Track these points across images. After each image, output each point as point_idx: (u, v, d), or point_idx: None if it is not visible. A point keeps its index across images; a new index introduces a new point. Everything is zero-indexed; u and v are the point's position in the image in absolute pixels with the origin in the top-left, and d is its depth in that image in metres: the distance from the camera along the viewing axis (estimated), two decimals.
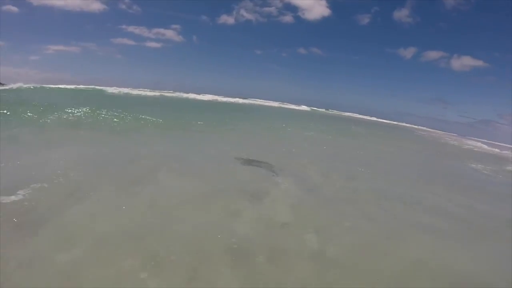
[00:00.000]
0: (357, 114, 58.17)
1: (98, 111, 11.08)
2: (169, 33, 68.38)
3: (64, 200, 4.01)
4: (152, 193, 4.61)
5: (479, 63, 67.00)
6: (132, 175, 5.33)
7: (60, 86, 23.86)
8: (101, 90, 26.31)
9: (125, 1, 63.34)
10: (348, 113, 58.28)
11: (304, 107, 49.78)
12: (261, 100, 47.03)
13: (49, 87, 21.96)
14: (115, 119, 10.27)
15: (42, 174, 4.72)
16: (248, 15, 65.34)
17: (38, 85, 20.96)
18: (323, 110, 54.75)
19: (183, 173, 5.81)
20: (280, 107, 42.63)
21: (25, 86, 19.12)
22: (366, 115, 58.73)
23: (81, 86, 26.32)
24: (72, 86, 25.13)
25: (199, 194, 4.78)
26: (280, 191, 5.42)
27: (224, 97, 39.72)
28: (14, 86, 18.67)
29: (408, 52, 72.63)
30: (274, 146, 9.69)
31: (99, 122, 9.84)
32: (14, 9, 55.31)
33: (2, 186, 4.12)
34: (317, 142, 12.53)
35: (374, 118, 59.31)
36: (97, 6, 61.39)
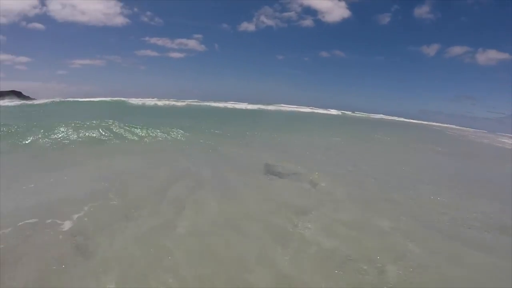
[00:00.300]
0: (385, 116, 55.95)
1: (124, 126, 10.02)
2: (192, 43, 69.62)
3: (115, 223, 3.88)
4: (193, 216, 4.23)
5: (505, 56, 62.98)
6: (170, 197, 4.83)
7: (85, 99, 24.39)
8: (123, 101, 26.64)
9: (147, 14, 65.32)
10: (377, 115, 56.17)
11: (333, 111, 48.39)
12: (289, 106, 46.05)
13: (75, 100, 22.46)
14: (141, 133, 9.76)
15: (83, 197, 4.55)
16: (268, 21, 65.30)
17: (65, 99, 21.45)
18: (350, 113, 53.03)
19: (223, 194, 5.16)
20: (312, 112, 41.41)
21: (51, 100, 19.56)
22: (394, 116, 56.37)
23: (107, 99, 26.82)
24: (97, 99, 25.66)
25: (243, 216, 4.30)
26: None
27: (249, 103, 39.12)
28: (41, 101, 19.15)
29: (432, 49, 69.52)
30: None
31: (125, 139, 9.21)
32: (40, 26, 58.56)
33: (55, 209, 4.04)
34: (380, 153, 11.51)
35: (402, 119, 56.73)
36: (120, 20, 63.74)
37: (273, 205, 4.70)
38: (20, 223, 3.66)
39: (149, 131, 9.68)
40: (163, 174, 5.88)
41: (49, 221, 3.78)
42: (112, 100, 26.54)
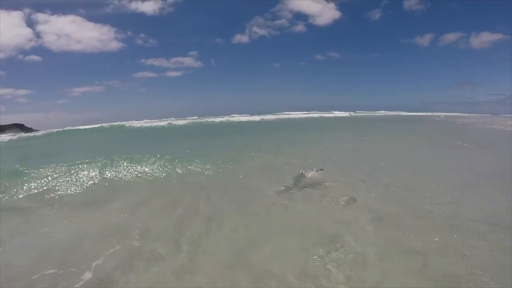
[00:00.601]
0: (388, 111, 55.03)
1: (123, 159, 8.02)
2: (188, 60, 69.67)
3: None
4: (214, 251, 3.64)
5: (498, 36, 62.80)
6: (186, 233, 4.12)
7: (86, 126, 23.80)
8: (123, 126, 25.95)
9: (141, 36, 65.62)
10: (380, 112, 55.34)
11: (339, 113, 47.43)
12: (292, 113, 45.12)
13: (75, 129, 21.85)
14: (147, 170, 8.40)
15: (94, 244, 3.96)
16: (260, 31, 65.38)
17: (63, 129, 20.86)
18: (353, 113, 52.20)
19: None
20: (321, 117, 40.29)
21: (49, 131, 18.90)
22: (397, 111, 55.44)
23: (106, 124, 26.19)
24: (98, 125, 25.07)
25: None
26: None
27: (253, 115, 38.25)
28: (39, 133, 18.52)
29: (425, 40, 69.50)
30: None
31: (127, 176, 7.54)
32: (37, 58, 59.11)
33: (73, 258, 3.59)
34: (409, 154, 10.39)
35: (406, 113, 55.72)
36: (115, 45, 64.02)
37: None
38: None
39: (152, 160, 8.04)
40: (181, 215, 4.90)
41: (69, 270, 3.33)
42: (112, 125, 25.96)
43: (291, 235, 3.94)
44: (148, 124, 27.00)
